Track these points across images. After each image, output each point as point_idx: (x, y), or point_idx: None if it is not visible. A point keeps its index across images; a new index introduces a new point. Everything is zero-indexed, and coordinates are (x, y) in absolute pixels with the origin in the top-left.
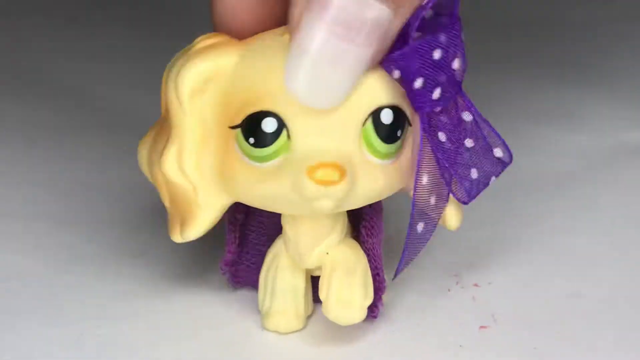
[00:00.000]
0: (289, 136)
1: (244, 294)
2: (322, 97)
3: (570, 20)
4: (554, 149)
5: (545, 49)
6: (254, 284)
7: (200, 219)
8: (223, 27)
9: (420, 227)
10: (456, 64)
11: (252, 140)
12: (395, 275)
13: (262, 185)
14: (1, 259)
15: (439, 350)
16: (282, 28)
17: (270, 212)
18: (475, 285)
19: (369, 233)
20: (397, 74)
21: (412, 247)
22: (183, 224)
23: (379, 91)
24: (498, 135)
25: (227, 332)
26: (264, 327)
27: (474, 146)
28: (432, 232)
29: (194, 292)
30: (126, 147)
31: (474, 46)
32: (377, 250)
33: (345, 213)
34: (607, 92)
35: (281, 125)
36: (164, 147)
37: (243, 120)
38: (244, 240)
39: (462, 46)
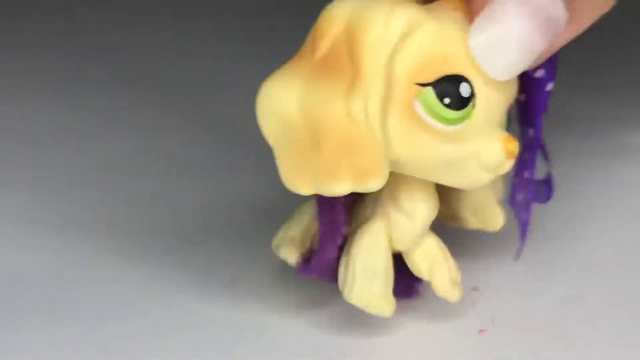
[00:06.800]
0: (473, 106)
1: (244, 294)
2: (499, 66)
3: None
4: (552, 150)
5: None
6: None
7: (384, 168)
8: None
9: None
10: (550, 87)
11: (447, 100)
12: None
13: (443, 147)
14: (1, 259)
15: (438, 353)
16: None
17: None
18: (475, 289)
19: None
20: (541, 72)
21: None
22: (361, 174)
23: (516, 85)
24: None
25: (226, 335)
26: (365, 309)
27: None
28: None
29: (194, 293)
30: (126, 147)
31: None
32: None
33: None
34: (607, 92)
35: (473, 93)
36: (352, 88)
37: (439, 79)
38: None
39: None
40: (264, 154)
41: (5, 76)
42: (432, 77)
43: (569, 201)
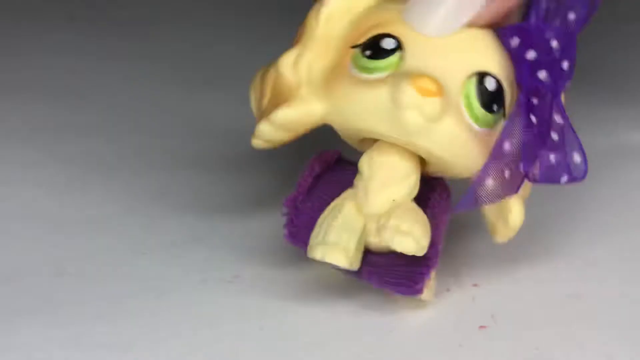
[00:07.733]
0: (401, 58)
1: (244, 294)
2: (434, 25)
3: None
4: None
5: None
6: (305, 242)
7: (294, 106)
8: None
9: (489, 182)
10: (565, 65)
11: (368, 52)
12: (455, 211)
13: (361, 91)
14: (1, 259)
15: (438, 349)
16: None
17: (343, 174)
18: (475, 285)
19: (437, 209)
20: (516, 41)
21: (472, 192)
22: (274, 109)
23: (491, 59)
24: (581, 148)
25: (227, 332)
26: (311, 256)
27: (557, 140)
28: (499, 196)
29: (194, 292)
30: (126, 147)
31: None
32: (440, 228)
33: (419, 177)
34: (607, 92)
35: (398, 46)
36: (289, 49)
37: (366, 40)
38: (313, 191)
39: (574, 55)
40: (267, 151)
41: (6, 75)
42: (363, 39)
43: (569, 200)
